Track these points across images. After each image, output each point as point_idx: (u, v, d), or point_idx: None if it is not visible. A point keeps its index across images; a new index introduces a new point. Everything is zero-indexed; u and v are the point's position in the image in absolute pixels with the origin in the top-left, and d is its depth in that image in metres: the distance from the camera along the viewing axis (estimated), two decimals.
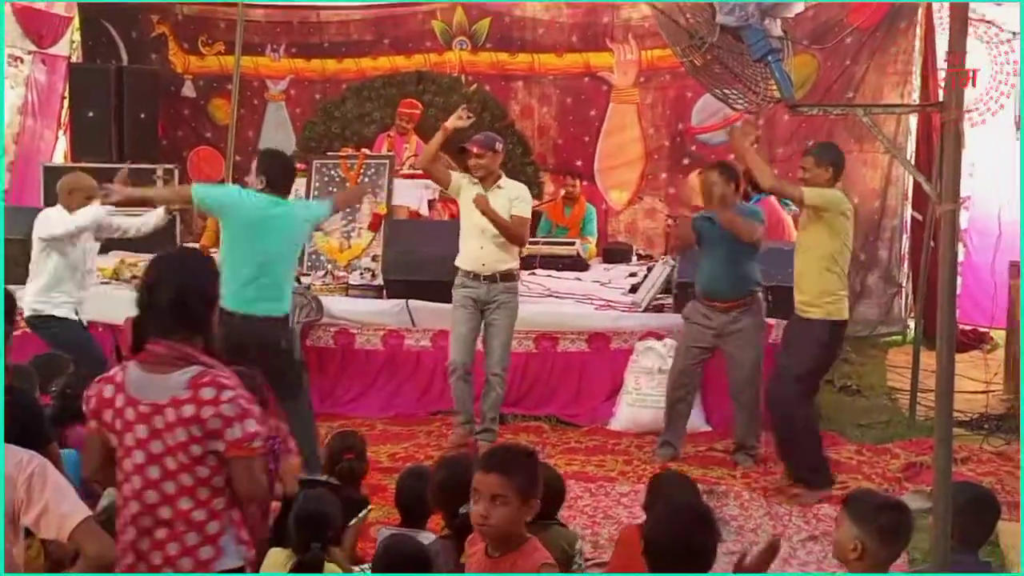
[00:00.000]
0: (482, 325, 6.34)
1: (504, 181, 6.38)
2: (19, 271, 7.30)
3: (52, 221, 6.27)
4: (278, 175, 5.64)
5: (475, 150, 6.29)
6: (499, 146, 6.41)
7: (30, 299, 6.26)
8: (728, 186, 5.94)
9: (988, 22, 9.33)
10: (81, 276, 6.41)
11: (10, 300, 4.03)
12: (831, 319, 5.57)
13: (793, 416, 5.65)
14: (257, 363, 4.93)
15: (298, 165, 9.13)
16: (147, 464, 2.71)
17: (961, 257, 5.96)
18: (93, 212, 6.26)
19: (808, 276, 5.59)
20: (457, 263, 6.41)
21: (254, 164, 5.83)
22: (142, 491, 2.71)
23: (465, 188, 6.32)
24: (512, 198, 6.28)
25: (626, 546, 3.79)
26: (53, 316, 6.25)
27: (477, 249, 6.29)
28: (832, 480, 5.69)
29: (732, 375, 6.19)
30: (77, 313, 6.37)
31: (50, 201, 9.06)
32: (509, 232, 6.21)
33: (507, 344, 6.37)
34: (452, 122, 6.35)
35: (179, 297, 2.80)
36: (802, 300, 5.61)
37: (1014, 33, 9.08)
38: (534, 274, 8.41)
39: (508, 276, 6.33)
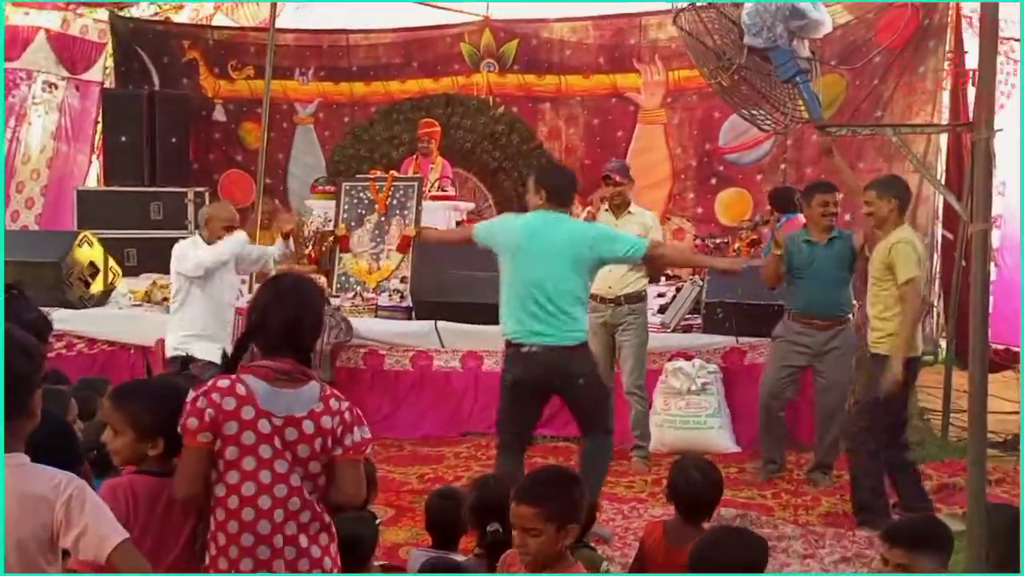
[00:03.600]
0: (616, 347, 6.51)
1: (633, 208, 6.55)
2: (51, 294, 7.41)
3: (189, 254, 5.99)
4: (558, 187, 5.02)
5: (617, 178, 6.45)
6: (632, 173, 6.66)
7: (173, 339, 6.03)
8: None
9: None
10: (224, 312, 6.13)
11: (45, 322, 4.06)
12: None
13: (857, 452, 5.53)
14: (564, 395, 5.03)
15: (327, 188, 9.26)
16: (288, 474, 2.80)
17: (993, 276, 5.89)
18: (234, 242, 6.04)
19: (876, 311, 5.45)
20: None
21: (530, 181, 5.15)
22: (287, 499, 2.80)
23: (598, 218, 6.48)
24: (648, 227, 6.38)
25: (649, 542, 3.79)
26: (195, 358, 6.14)
27: (604, 272, 6.10)
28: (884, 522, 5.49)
29: (822, 396, 6.16)
30: (225, 355, 6.15)
31: (84, 225, 9.21)
32: (654, 267, 6.43)
33: (639, 363, 6.48)
34: None
35: (296, 320, 2.91)
36: (871, 336, 5.49)
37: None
38: None
39: (634, 298, 6.46)
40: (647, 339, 6.59)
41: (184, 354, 5.65)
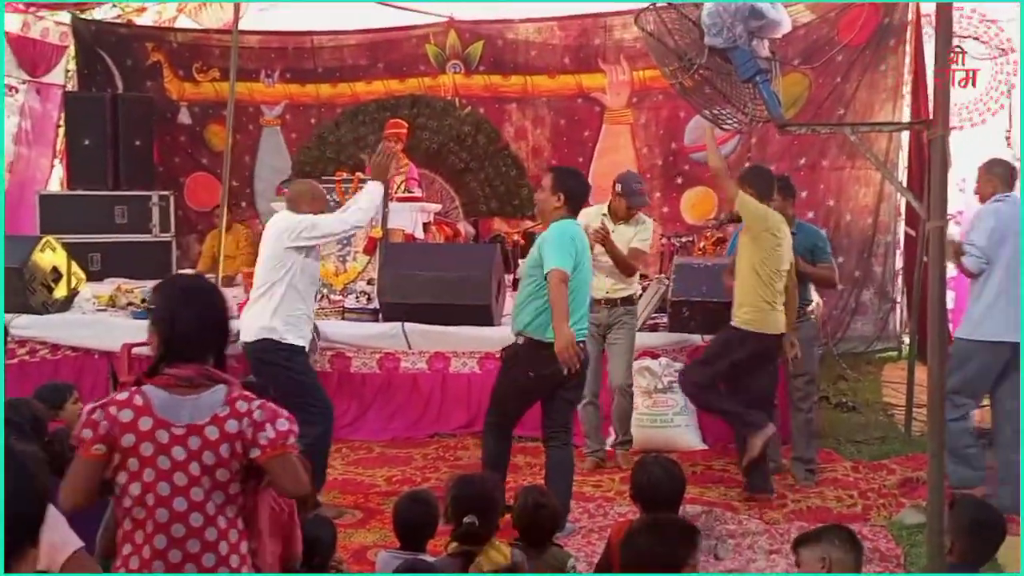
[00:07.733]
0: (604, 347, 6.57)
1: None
2: (15, 300, 7.33)
3: (306, 222, 5.40)
4: (576, 194, 5.32)
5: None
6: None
7: (258, 323, 5.35)
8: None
9: (991, 21, 9.29)
10: (314, 295, 5.67)
11: None
12: (745, 328, 5.67)
13: (712, 408, 6.05)
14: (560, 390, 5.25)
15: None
16: (190, 486, 2.71)
17: (953, 272, 5.94)
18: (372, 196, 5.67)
19: (737, 284, 5.78)
20: None
21: (547, 178, 5.32)
22: (187, 513, 2.71)
23: (592, 219, 6.46)
24: (638, 231, 6.53)
25: (616, 542, 3.82)
26: (292, 345, 5.36)
27: (602, 276, 6.37)
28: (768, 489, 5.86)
29: (788, 387, 6.30)
30: (308, 347, 5.58)
31: (46, 229, 9.12)
32: (622, 264, 6.43)
33: (629, 362, 6.58)
34: None
35: (207, 323, 2.85)
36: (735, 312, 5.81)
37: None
38: None
39: (628, 301, 6.57)
40: (635, 341, 6.66)
41: (281, 339, 5.27)
